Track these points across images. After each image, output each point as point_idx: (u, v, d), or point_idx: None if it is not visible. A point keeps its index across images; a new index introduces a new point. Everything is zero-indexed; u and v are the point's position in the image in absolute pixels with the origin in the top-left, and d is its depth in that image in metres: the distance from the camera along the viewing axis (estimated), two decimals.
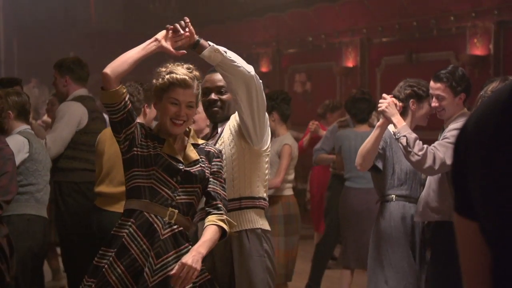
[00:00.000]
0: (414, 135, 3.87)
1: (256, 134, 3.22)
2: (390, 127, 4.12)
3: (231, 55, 3.06)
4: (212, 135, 3.40)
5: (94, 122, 5.00)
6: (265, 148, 3.31)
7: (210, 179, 3.16)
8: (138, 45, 3.06)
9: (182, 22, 3.05)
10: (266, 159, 3.36)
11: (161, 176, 3.07)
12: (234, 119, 3.33)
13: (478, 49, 8.88)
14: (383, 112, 3.98)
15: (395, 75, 10.05)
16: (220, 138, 3.32)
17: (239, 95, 3.10)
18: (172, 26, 3.05)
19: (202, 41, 3.07)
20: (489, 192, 1.19)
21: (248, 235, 3.26)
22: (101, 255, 3.07)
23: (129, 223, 3.03)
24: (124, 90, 3.05)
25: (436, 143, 3.91)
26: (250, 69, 3.09)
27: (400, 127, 3.90)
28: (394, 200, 4.21)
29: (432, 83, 4.05)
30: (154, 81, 3.13)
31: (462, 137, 1.27)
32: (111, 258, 3.00)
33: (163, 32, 3.07)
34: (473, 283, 1.27)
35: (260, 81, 3.15)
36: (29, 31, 14.43)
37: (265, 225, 3.36)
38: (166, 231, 3.04)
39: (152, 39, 3.05)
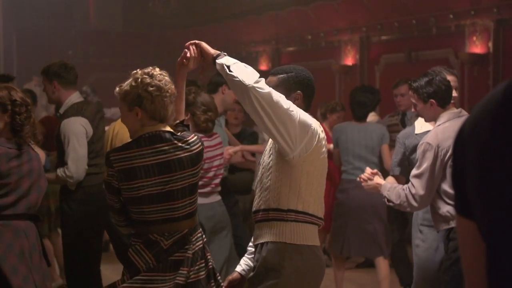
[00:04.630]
0: (389, 191, 3.99)
1: (280, 143, 3.04)
2: (417, 123, 4.38)
3: (234, 68, 2.97)
4: None
5: (99, 128, 4.97)
6: (299, 158, 3.08)
7: None
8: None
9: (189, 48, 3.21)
10: (302, 170, 3.11)
11: None
12: None
13: (477, 47, 8.88)
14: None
15: (395, 73, 10.06)
16: (267, 147, 3.29)
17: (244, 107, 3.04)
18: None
19: (219, 60, 3.07)
20: (485, 193, 1.20)
21: (268, 247, 3.14)
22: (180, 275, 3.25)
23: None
24: None
25: (411, 176, 3.95)
26: (249, 80, 2.93)
27: (382, 190, 4.08)
28: None
29: None
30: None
31: (460, 139, 1.28)
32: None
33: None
34: (473, 281, 1.29)
35: (268, 90, 2.94)
36: (28, 29, 14.43)
37: (296, 239, 3.12)
38: None
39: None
